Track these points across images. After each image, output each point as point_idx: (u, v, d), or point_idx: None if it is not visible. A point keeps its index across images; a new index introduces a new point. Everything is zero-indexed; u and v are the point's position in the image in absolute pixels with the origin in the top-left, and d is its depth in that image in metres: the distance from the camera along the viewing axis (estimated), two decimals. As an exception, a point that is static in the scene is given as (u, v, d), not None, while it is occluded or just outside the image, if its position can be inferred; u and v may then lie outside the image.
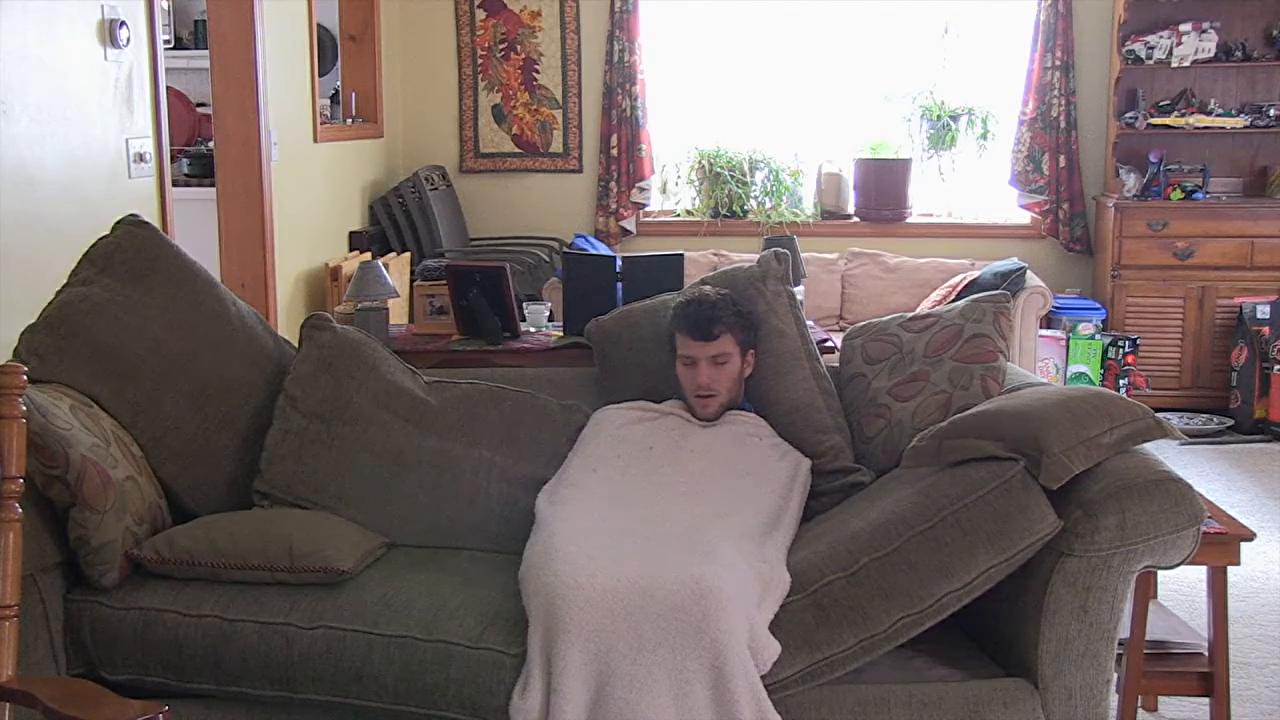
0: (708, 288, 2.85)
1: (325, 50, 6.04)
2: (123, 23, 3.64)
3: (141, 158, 3.79)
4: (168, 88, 4.04)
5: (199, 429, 2.62)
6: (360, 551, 2.42)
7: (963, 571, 2.23)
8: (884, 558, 2.26)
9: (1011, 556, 2.22)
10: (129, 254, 2.69)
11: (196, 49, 6.03)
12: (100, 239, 2.69)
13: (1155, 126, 5.86)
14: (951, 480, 2.31)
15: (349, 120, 5.99)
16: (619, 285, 3.97)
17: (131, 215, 2.75)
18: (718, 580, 2.13)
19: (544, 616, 2.13)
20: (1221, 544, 2.59)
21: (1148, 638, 2.66)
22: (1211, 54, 5.79)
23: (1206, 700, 2.73)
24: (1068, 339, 5.63)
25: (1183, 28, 5.78)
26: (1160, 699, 3.02)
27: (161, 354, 2.60)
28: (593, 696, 2.09)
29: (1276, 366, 5.44)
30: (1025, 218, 6.30)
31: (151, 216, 3.87)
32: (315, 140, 5.40)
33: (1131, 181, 5.84)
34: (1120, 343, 5.60)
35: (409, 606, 2.29)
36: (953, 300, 5.46)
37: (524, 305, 4.34)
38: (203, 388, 2.64)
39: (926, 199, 6.40)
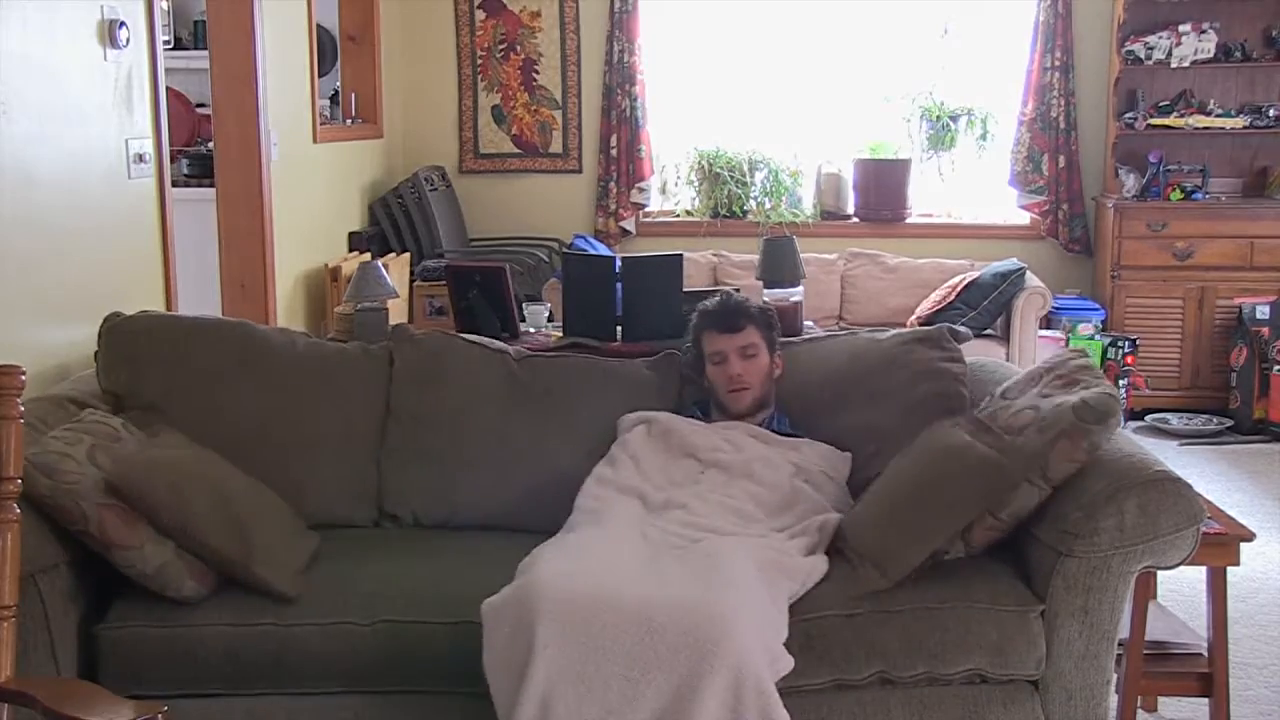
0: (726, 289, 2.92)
1: (325, 50, 6.03)
2: (122, 23, 3.62)
3: (141, 158, 3.77)
4: (167, 88, 4.02)
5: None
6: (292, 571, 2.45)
7: (946, 666, 2.28)
8: (885, 614, 2.30)
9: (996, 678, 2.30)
10: None
11: (196, 49, 6.01)
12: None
13: (1155, 127, 5.85)
14: (974, 575, 2.36)
15: (349, 121, 6.00)
16: (619, 286, 3.97)
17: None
18: (729, 608, 2.12)
19: (519, 614, 2.13)
20: (1221, 544, 2.59)
21: (1147, 638, 2.66)
22: (1211, 54, 5.79)
23: (1206, 701, 2.73)
24: (1067, 339, 5.58)
25: (1182, 28, 5.78)
26: (1160, 699, 3.02)
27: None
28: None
29: (1276, 367, 5.44)
30: (1025, 218, 6.31)
31: (151, 217, 3.86)
32: (315, 141, 5.40)
33: (1131, 182, 5.85)
34: (1120, 343, 5.55)
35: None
36: (952, 301, 5.46)
37: (523, 306, 4.36)
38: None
39: (926, 199, 6.40)
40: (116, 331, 2.90)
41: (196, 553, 2.36)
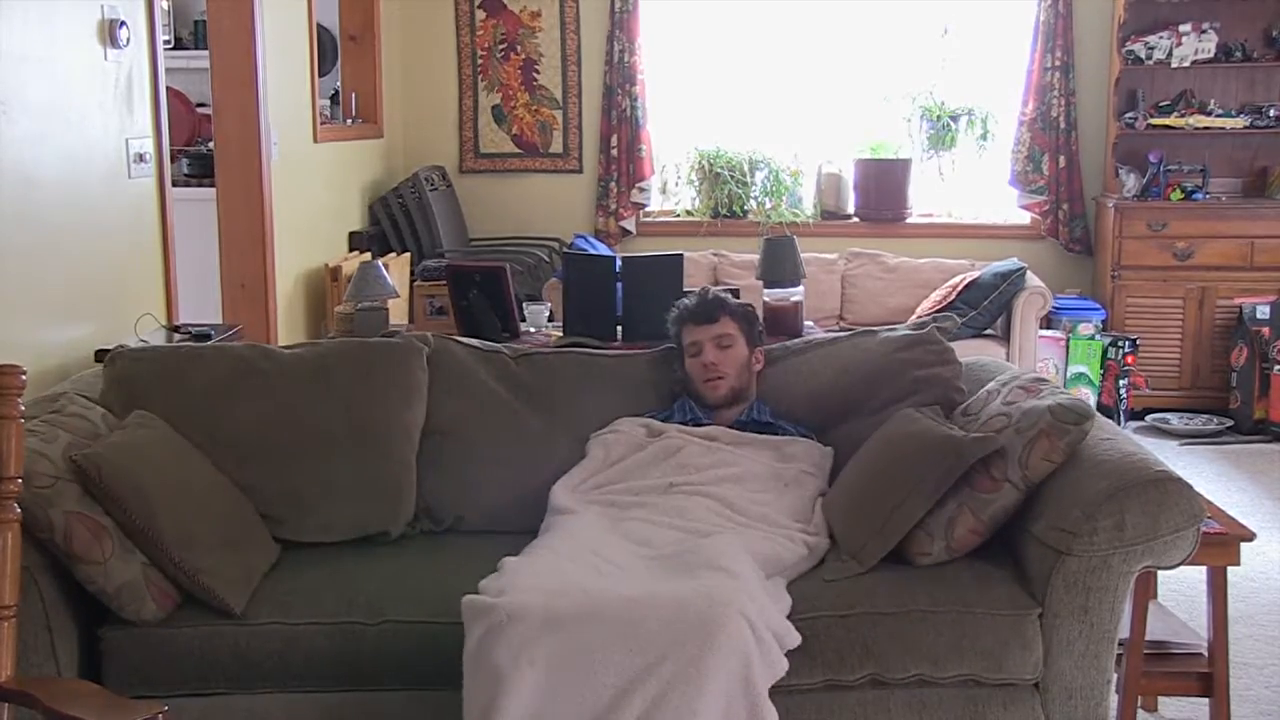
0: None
1: (325, 50, 6.06)
2: (123, 23, 3.64)
3: (141, 158, 3.80)
4: (167, 88, 4.05)
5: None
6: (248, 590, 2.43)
7: (939, 670, 2.29)
8: (878, 616, 2.30)
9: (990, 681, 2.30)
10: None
11: (196, 49, 6.06)
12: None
13: (1155, 127, 5.87)
14: (969, 579, 2.37)
15: (349, 120, 6.03)
16: (619, 285, 4.02)
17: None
18: (725, 595, 2.13)
19: (501, 634, 2.09)
20: (1221, 544, 2.59)
21: (1148, 638, 2.66)
22: (1211, 54, 5.81)
23: (1206, 700, 2.74)
24: (1068, 339, 5.65)
25: (1182, 28, 5.80)
26: (1160, 699, 3.03)
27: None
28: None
29: (1276, 367, 5.46)
30: (1025, 218, 6.33)
31: (151, 216, 3.89)
32: (315, 140, 5.42)
33: (1131, 182, 5.86)
34: (1120, 343, 5.61)
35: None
36: (953, 300, 5.46)
37: (524, 305, 4.40)
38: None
39: (926, 199, 6.42)
40: (120, 369, 2.80)
41: (149, 552, 2.32)
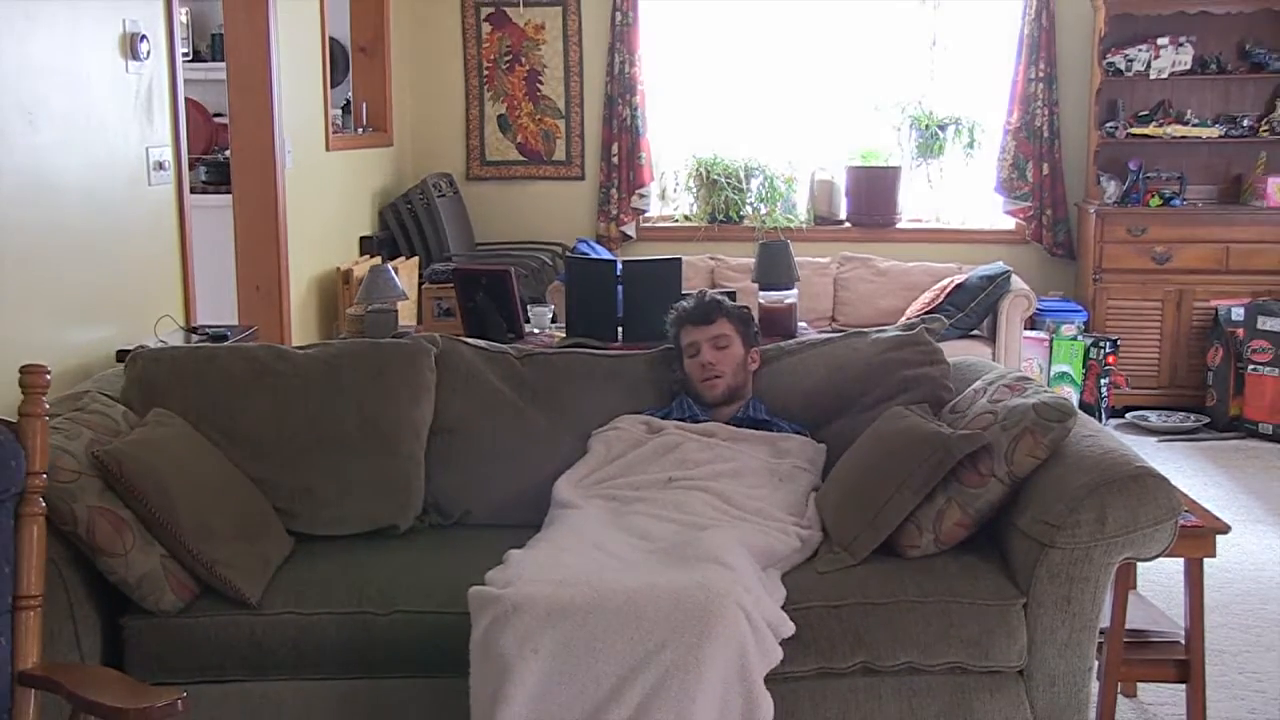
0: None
1: (337, 62, 6.08)
2: (143, 36, 3.66)
3: (161, 166, 3.81)
4: (186, 98, 4.06)
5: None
6: (263, 580, 2.46)
7: (928, 658, 2.34)
8: (869, 606, 2.35)
9: (977, 669, 2.35)
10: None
11: (214, 61, 6.06)
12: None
13: (1134, 136, 5.92)
14: (957, 570, 2.42)
15: (360, 129, 6.04)
16: (620, 288, 4.06)
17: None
18: (720, 585, 2.16)
19: (507, 624, 2.12)
20: (1198, 537, 2.64)
21: (1127, 627, 2.70)
22: (1188, 67, 5.87)
23: (1183, 686, 2.80)
24: (1051, 340, 5.69)
25: (1160, 41, 5.87)
26: (1139, 685, 3.09)
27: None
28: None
29: (1250, 366, 5.52)
30: (1010, 223, 6.37)
31: (171, 222, 3.92)
32: (328, 149, 5.44)
33: (1112, 188, 5.92)
34: (1101, 343, 5.65)
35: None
36: (941, 302, 5.50)
37: (528, 307, 4.42)
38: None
39: (915, 205, 6.48)
40: (140, 368, 2.82)
41: (167, 544, 2.34)
